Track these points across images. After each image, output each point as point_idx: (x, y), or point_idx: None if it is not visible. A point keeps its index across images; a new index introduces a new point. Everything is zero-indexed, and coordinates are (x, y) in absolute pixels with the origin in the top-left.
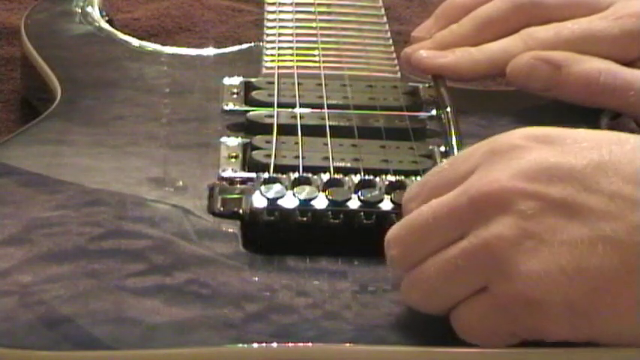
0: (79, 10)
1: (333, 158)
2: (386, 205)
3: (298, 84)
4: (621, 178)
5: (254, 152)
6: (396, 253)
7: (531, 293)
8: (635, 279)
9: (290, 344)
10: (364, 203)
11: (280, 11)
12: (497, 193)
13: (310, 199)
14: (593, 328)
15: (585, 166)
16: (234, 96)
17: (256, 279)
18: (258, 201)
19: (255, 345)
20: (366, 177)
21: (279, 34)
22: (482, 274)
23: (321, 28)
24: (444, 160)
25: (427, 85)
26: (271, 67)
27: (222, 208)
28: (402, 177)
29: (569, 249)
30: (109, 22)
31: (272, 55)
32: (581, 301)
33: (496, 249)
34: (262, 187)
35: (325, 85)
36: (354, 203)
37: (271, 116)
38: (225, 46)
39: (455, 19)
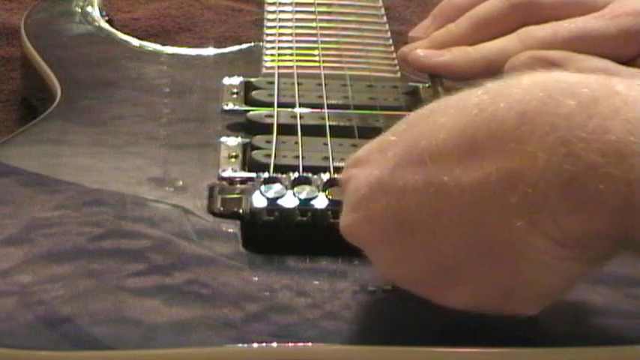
0: (79, 10)
1: (333, 158)
2: None
3: (298, 84)
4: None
5: (254, 152)
6: None
7: None
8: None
9: (290, 344)
10: None
11: (280, 11)
12: None
13: (310, 199)
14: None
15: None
16: (234, 96)
17: (256, 279)
18: (258, 201)
19: (255, 345)
20: None
21: (279, 34)
22: None
23: (321, 28)
24: None
25: (427, 85)
26: (271, 67)
27: (222, 208)
28: None
29: None
30: (109, 22)
31: (272, 55)
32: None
33: None
34: (262, 187)
35: (325, 84)
36: None
37: (271, 116)
38: (225, 46)
39: (452, 18)
